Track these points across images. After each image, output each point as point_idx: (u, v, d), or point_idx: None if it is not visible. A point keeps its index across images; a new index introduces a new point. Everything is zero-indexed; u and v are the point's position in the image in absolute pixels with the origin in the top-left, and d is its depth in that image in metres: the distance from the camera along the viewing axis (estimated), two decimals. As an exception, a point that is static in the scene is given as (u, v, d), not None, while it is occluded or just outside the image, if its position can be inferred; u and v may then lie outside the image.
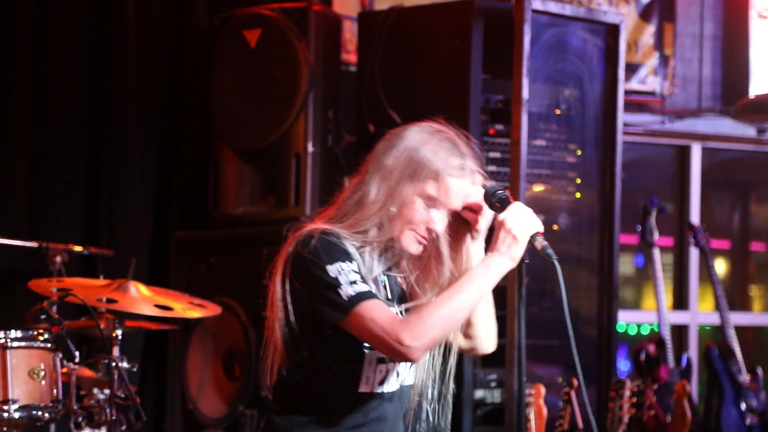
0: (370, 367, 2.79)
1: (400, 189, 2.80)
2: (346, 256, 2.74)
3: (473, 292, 2.71)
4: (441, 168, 2.80)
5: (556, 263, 2.71)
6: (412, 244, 2.82)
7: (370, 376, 2.79)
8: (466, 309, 2.72)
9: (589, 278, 5.54)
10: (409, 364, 2.84)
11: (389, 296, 2.86)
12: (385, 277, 2.88)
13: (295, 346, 2.80)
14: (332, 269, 2.72)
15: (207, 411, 5.62)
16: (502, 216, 2.75)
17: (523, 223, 2.73)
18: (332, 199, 2.95)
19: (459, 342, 2.92)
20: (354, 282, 2.70)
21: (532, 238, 2.73)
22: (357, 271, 2.73)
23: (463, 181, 2.83)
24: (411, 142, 2.83)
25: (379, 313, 2.68)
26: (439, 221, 2.82)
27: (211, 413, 5.60)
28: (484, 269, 2.73)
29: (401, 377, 2.86)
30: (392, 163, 2.83)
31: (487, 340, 2.94)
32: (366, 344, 2.76)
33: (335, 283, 2.71)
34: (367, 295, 2.70)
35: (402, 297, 2.90)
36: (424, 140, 2.83)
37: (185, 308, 4.36)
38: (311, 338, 2.78)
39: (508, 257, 2.72)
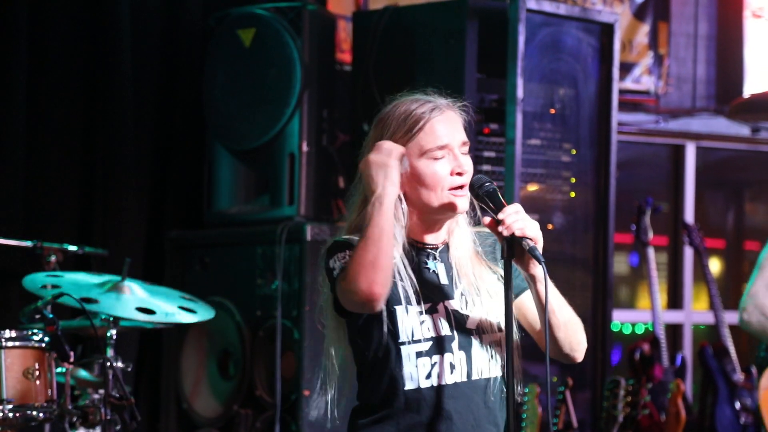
0: (410, 363, 2.76)
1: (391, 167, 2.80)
2: (347, 247, 2.77)
3: (376, 223, 2.68)
4: (419, 117, 2.80)
5: (544, 266, 2.66)
6: (457, 201, 2.79)
7: (412, 372, 2.76)
8: (378, 237, 2.67)
9: (583, 277, 5.54)
10: (464, 354, 2.78)
11: (445, 282, 2.82)
12: (435, 263, 2.85)
13: (355, 347, 2.83)
14: (331, 262, 2.77)
15: (202, 411, 5.61)
16: (501, 216, 2.69)
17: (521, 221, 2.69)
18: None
19: (555, 352, 2.84)
20: (344, 258, 2.75)
21: (520, 239, 2.67)
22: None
23: (446, 115, 2.83)
24: (376, 126, 2.88)
25: (342, 275, 2.71)
26: (465, 163, 2.81)
27: (205, 413, 5.60)
28: (377, 199, 2.71)
29: (462, 369, 2.78)
30: (368, 144, 2.86)
31: (570, 350, 2.84)
32: (400, 339, 2.76)
33: (334, 269, 2.76)
34: (345, 265, 2.73)
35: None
36: (387, 115, 2.86)
37: (172, 313, 4.35)
38: (354, 340, 2.81)
39: (382, 176, 2.72)
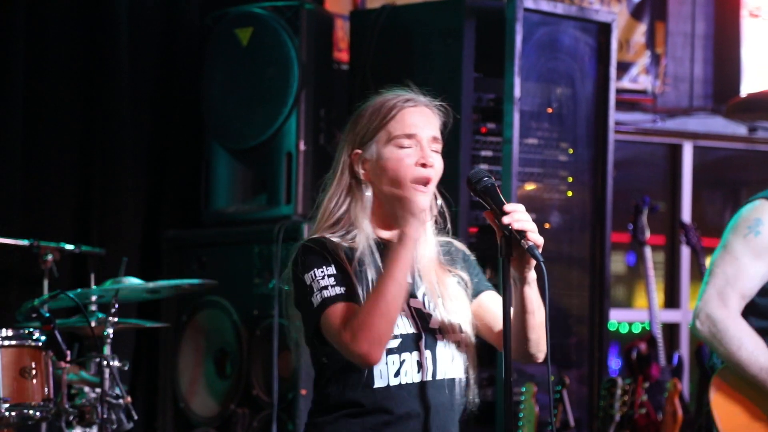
0: (380, 360, 2.73)
1: (355, 154, 2.82)
2: (323, 261, 2.74)
3: (399, 270, 2.66)
4: (392, 105, 2.82)
5: (543, 266, 2.64)
6: (416, 195, 2.77)
7: (382, 369, 2.74)
8: (401, 291, 2.66)
9: (580, 276, 5.54)
10: (429, 353, 2.77)
11: (408, 280, 2.79)
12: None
13: (313, 348, 2.82)
14: (307, 277, 2.75)
15: (198, 410, 5.61)
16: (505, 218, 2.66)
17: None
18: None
19: (520, 352, 2.83)
20: (324, 287, 2.71)
21: (519, 237, 2.63)
22: (333, 273, 2.73)
23: (419, 109, 2.83)
24: (354, 119, 2.89)
25: (336, 318, 2.68)
26: (431, 156, 2.79)
27: (202, 412, 5.60)
28: (401, 242, 2.68)
29: (427, 369, 2.77)
30: (341, 144, 2.87)
31: (536, 352, 2.83)
32: None
33: (308, 292, 2.73)
34: (333, 300, 2.70)
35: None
36: (365, 107, 2.87)
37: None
38: (319, 340, 2.77)
39: (414, 219, 2.69)
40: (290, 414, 5.25)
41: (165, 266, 5.75)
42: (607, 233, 5.54)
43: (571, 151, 5.55)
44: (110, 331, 4.27)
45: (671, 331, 7.43)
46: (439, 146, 2.84)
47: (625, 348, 6.27)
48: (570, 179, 5.55)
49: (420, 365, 2.76)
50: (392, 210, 2.80)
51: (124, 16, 5.77)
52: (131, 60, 5.81)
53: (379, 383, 2.74)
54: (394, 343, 2.74)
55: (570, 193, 5.56)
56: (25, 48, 5.54)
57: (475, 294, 2.89)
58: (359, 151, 2.83)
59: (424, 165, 2.79)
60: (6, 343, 3.88)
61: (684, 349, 7.41)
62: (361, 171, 2.83)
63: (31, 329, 3.98)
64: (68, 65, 5.71)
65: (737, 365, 3.58)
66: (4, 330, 3.91)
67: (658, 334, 6.35)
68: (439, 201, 2.88)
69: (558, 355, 5.46)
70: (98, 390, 4.22)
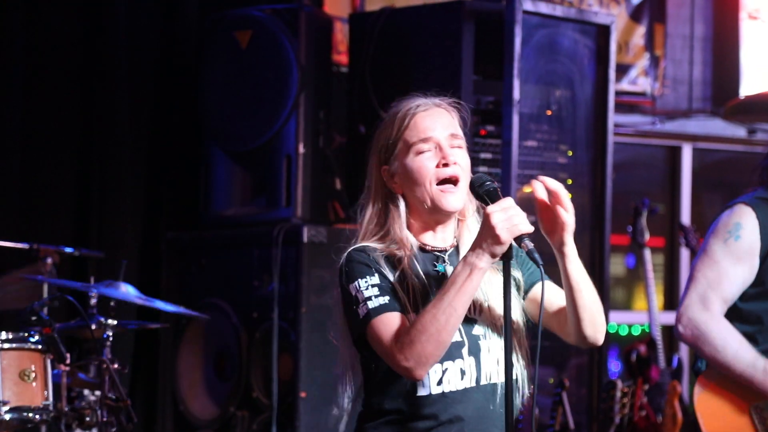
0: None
1: (385, 165, 2.83)
2: (367, 270, 2.75)
3: (458, 297, 2.64)
4: (404, 114, 2.82)
5: (541, 268, 2.64)
6: (444, 197, 2.78)
7: (424, 379, 2.73)
8: (455, 316, 2.64)
9: (580, 279, 5.53)
10: (474, 360, 2.76)
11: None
12: (444, 266, 2.83)
13: (361, 356, 2.82)
14: (352, 288, 2.75)
15: (198, 412, 5.61)
16: (489, 209, 2.65)
17: (508, 223, 2.63)
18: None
19: (577, 336, 2.81)
20: (369, 298, 2.72)
21: (519, 239, 2.64)
22: (377, 283, 2.73)
23: (430, 111, 2.83)
24: (376, 135, 2.89)
25: (385, 331, 2.68)
26: (452, 154, 2.79)
27: (202, 415, 5.60)
28: (466, 270, 2.64)
29: (472, 375, 2.76)
30: (370, 164, 2.88)
31: (593, 332, 2.81)
32: None
33: (354, 302, 2.74)
34: (378, 311, 2.70)
35: None
36: (383, 121, 2.88)
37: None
38: (365, 348, 2.79)
39: (488, 254, 2.63)
40: (290, 417, 5.25)
41: (164, 269, 5.76)
42: (606, 235, 5.54)
43: (570, 153, 5.56)
44: (110, 333, 4.27)
45: (671, 333, 7.42)
46: (460, 141, 2.83)
47: (625, 350, 6.26)
48: (569, 181, 5.56)
49: (463, 372, 2.77)
50: (429, 216, 2.82)
51: (122, 20, 5.77)
52: (130, 63, 5.81)
53: (421, 392, 2.75)
54: None
55: (569, 196, 5.55)
56: (23, 51, 5.54)
57: (528, 288, 2.88)
58: (386, 166, 2.85)
59: (446, 165, 2.79)
60: (6, 345, 3.88)
61: (683, 352, 7.40)
62: (393, 185, 2.84)
63: (31, 332, 3.98)
64: (67, 68, 5.71)
65: (723, 365, 3.58)
66: (3, 333, 3.91)
67: (658, 336, 6.34)
68: (474, 201, 2.87)
69: (557, 357, 5.46)
70: (98, 393, 4.22)
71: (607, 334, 5.69)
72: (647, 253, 6.48)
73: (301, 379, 5.20)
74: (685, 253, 7.42)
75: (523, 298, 2.88)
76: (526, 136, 5.37)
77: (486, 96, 5.42)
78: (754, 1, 7.47)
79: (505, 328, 2.67)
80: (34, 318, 3.96)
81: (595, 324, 2.80)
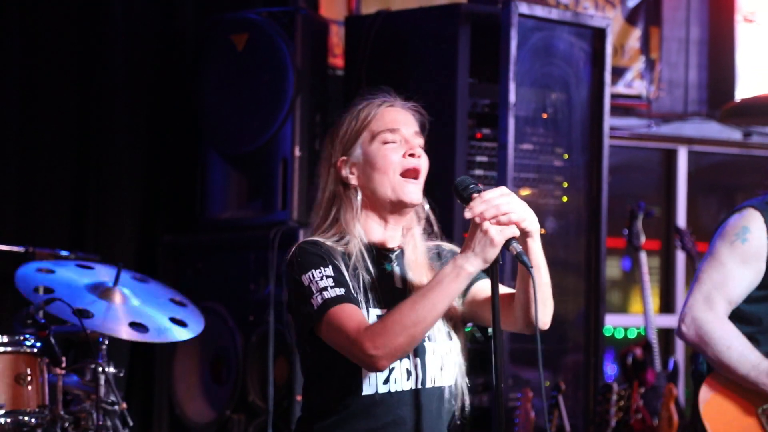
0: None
1: (345, 153, 2.84)
2: (320, 262, 2.72)
3: (441, 296, 2.61)
4: (370, 107, 2.85)
5: (532, 272, 2.62)
6: (406, 186, 2.78)
7: (371, 377, 2.71)
8: (433, 315, 2.61)
9: (576, 282, 5.54)
10: (419, 361, 2.75)
11: (400, 286, 2.78)
12: (391, 265, 2.82)
13: (303, 354, 2.80)
14: (305, 278, 2.71)
15: (194, 416, 5.61)
16: (471, 204, 2.62)
17: (495, 210, 2.58)
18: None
19: (513, 323, 2.77)
20: (324, 288, 2.68)
21: (507, 242, 2.60)
22: (331, 275, 2.70)
23: (397, 107, 2.85)
24: (334, 128, 2.92)
25: (346, 320, 2.65)
26: (418, 146, 2.80)
27: (198, 418, 5.59)
28: (455, 271, 2.61)
29: (417, 377, 2.75)
30: (322, 160, 2.90)
31: (544, 314, 2.76)
32: None
33: (307, 293, 2.70)
34: (335, 301, 2.67)
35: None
36: (342, 116, 2.91)
37: (164, 329, 4.34)
38: (311, 344, 2.75)
39: (480, 259, 2.59)
40: (286, 420, 5.24)
41: (160, 272, 5.75)
42: (602, 238, 5.54)
43: (566, 156, 5.56)
44: (105, 337, 4.26)
45: (667, 336, 7.43)
46: (422, 141, 2.85)
47: (621, 353, 6.27)
48: (565, 184, 5.56)
49: (409, 373, 2.75)
50: (386, 210, 2.81)
51: (119, 23, 5.77)
52: (127, 66, 5.81)
53: (367, 390, 2.72)
54: None
55: (565, 199, 5.57)
56: (20, 54, 5.53)
57: (467, 289, 2.84)
58: (345, 157, 2.84)
59: (412, 155, 2.80)
60: (1, 349, 3.87)
61: (679, 355, 7.41)
62: (350, 176, 2.83)
63: (27, 336, 3.97)
64: (64, 71, 5.71)
65: (727, 366, 3.58)
66: (-1, 336, 3.91)
67: (654, 339, 6.35)
68: (427, 206, 2.88)
69: (553, 360, 5.46)
70: (93, 396, 4.21)
71: (603, 337, 5.71)
72: (643, 256, 6.49)
73: (298, 383, 5.20)
74: (681, 256, 7.42)
75: (461, 304, 2.85)
76: (521, 139, 5.37)
77: (482, 99, 5.42)
78: (750, 4, 7.48)
79: (494, 331, 2.64)
80: (29, 321, 3.96)
81: (547, 305, 2.77)
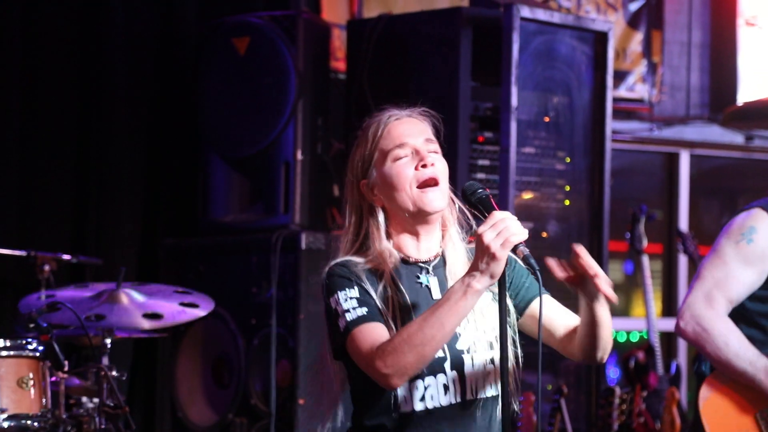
0: (403, 386, 2.71)
1: (364, 178, 2.85)
2: (347, 284, 2.75)
3: (450, 315, 2.60)
4: (377, 126, 2.86)
5: (538, 273, 2.61)
6: (425, 197, 2.79)
7: (406, 395, 2.73)
8: (442, 333, 2.61)
9: (578, 285, 5.53)
10: (457, 375, 2.74)
11: (438, 297, 2.77)
12: (428, 277, 2.82)
13: (348, 375, 2.83)
14: (332, 301, 2.75)
15: (196, 419, 5.60)
16: (480, 230, 2.60)
17: (501, 238, 2.56)
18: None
19: (571, 353, 2.81)
20: (347, 311, 2.71)
21: (515, 247, 2.59)
22: (355, 296, 2.73)
23: (403, 119, 2.86)
24: (353, 151, 2.93)
25: (362, 341, 2.67)
26: (429, 156, 2.80)
27: (200, 421, 5.59)
28: (462, 289, 2.60)
29: (456, 390, 2.74)
30: (346, 185, 2.91)
31: (603, 355, 2.78)
32: None
33: (334, 314, 2.74)
34: (356, 323, 2.69)
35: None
36: (358, 137, 2.92)
37: (176, 312, 4.35)
38: (348, 365, 2.79)
39: (487, 276, 2.59)
40: (288, 423, 5.24)
41: (162, 275, 5.75)
42: (604, 242, 5.54)
43: (568, 159, 5.56)
44: (108, 340, 4.27)
45: (669, 339, 7.43)
46: (435, 146, 2.85)
47: (623, 357, 6.27)
48: (567, 188, 5.56)
49: (447, 388, 2.75)
50: (412, 224, 2.82)
51: (120, 26, 5.78)
52: (128, 69, 5.81)
53: (405, 408, 2.74)
54: None
55: (567, 202, 5.57)
56: (21, 58, 5.54)
57: (525, 305, 2.84)
58: (365, 180, 2.86)
59: (424, 166, 2.80)
60: (3, 353, 3.88)
61: (682, 358, 7.41)
62: (373, 197, 2.85)
63: (29, 339, 3.97)
64: (64, 74, 5.72)
65: (725, 363, 3.57)
66: (1, 340, 3.91)
67: (656, 342, 6.35)
68: (457, 204, 2.86)
69: (556, 364, 5.46)
70: (96, 400, 4.21)
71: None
72: (645, 260, 6.48)
73: (300, 386, 5.20)
74: (683, 260, 7.42)
75: (521, 315, 2.85)
76: (523, 143, 5.37)
77: (484, 103, 5.42)
78: (752, 7, 7.48)
79: (501, 343, 2.64)
80: (31, 325, 3.96)
81: (606, 349, 2.79)
